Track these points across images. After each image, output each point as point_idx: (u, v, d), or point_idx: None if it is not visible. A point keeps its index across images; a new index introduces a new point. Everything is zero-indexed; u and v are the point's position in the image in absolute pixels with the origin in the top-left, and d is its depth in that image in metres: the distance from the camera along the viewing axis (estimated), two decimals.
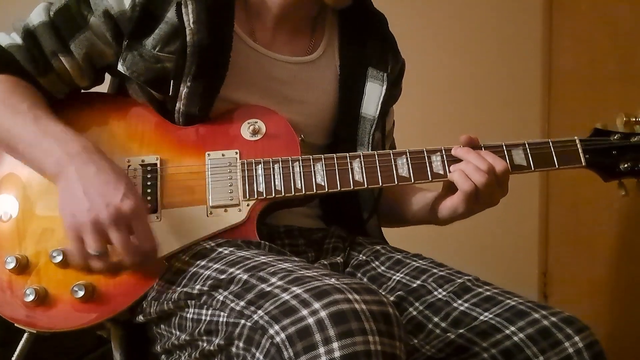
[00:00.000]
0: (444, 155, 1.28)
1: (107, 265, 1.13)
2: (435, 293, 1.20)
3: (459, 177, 1.25)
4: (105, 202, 1.09)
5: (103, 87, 1.40)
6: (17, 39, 1.27)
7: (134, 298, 1.19)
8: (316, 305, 0.88)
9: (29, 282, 1.19)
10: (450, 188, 1.28)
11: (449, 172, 1.26)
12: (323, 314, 0.87)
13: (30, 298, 1.16)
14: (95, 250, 1.10)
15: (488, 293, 1.16)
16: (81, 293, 1.16)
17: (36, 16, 1.27)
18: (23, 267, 1.19)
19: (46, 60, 1.26)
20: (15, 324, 1.20)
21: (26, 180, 1.25)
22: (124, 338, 1.28)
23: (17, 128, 1.20)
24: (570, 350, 1.05)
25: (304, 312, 0.88)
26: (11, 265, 1.18)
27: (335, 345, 0.85)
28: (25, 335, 1.22)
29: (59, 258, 1.17)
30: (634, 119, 1.63)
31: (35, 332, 1.20)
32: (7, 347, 1.27)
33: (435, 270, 1.25)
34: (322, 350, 0.85)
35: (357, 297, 0.89)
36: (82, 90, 1.35)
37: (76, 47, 1.26)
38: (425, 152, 1.28)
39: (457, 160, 1.27)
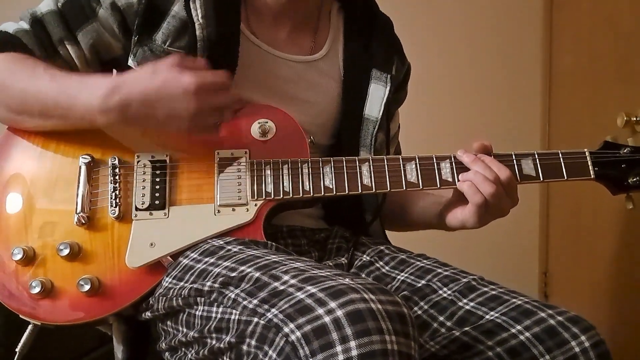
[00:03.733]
0: (453, 163, 1.27)
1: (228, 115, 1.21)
2: (441, 292, 1.20)
3: (469, 188, 1.23)
4: (184, 93, 1.13)
5: None
6: (24, 25, 1.27)
7: (139, 294, 1.19)
8: (332, 304, 0.88)
9: (35, 274, 1.19)
10: (460, 196, 1.28)
11: (458, 181, 1.26)
12: (340, 313, 0.87)
13: (36, 290, 1.17)
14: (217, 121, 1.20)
15: (494, 292, 1.17)
16: (87, 287, 1.17)
17: (44, 5, 1.28)
18: (30, 259, 1.20)
19: (53, 47, 1.27)
20: (20, 315, 1.20)
21: (36, 172, 1.25)
22: (126, 334, 1.28)
23: (43, 92, 1.20)
24: (577, 349, 1.05)
25: (320, 310, 0.88)
26: (18, 257, 1.18)
27: (352, 344, 0.85)
28: (30, 327, 1.22)
29: (66, 251, 1.18)
30: (634, 119, 1.64)
31: (39, 324, 1.21)
32: (8, 347, 1.26)
33: (440, 270, 1.25)
34: (339, 348, 0.85)
35: (372, 297, 0.89)
36: None
37: (83, 37, 1.26)
38: (434, 159, 1.28)
39: (466, 168, 1.26)
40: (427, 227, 1.45)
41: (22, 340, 1.23)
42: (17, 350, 1.23)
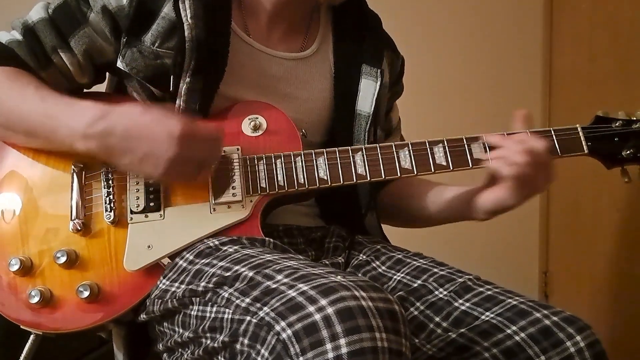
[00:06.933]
0: (446, 146, 1.27)
1: (208, 171, 1.20)
2: (436, 293, 1.20)
3: (500, 163, 1.22)
4: (168, 136, 1.12)
5: (101, 87, 1.40)
6: (17, 35, 1.26)
7: (139, 297, 1.19)
8: (323, 302, 0.88)
9: (34, 284, 1.19)
10: (490, 181, 1.26)
11: (490, 159, 1.23)
12: (330, 310, 0.87)
13: (35, 300, 1.17)
14: (194, 173, 1.16)
15: (489, 292, 1.17)
16: (86, 293, 1.17)
17: (35, 13, 1.27)
18: (27, 268, 1.19)
19: (46, 55, 1.26)
20: (21, 326, 1.20)
21: (28, 181, 1.25)
22: (126, 338, 1.28)
23: (32, 113, 1.20)
24: (572, 349, 1.05)
25: (311, 308, 0.88)
26: (15, 267, 1.18)
27: (342, 341, 0.85)
28: (32, 337, 1.23)
29: (63, 259, 1.18)
30: (634, 118, 1.63)
31: (41, 333, 1.21)
32: (8, 347, 1.27)
33: (436, 270, 1.25)
34: (329, 346, 0.85)
35: (363, 294, 0.89)
36: (84, 90, 1.35)
37: (76, 43, 1.26)
38: (427, 144, 1.27)
39: (460, 151, 1.26)
40: (449, 219, 1.41)
41: (24, 352, 1.23)
42: None
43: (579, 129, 1.29)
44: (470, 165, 1.27)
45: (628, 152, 1.29)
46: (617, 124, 1.30)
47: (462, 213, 1.35)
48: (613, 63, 2.14)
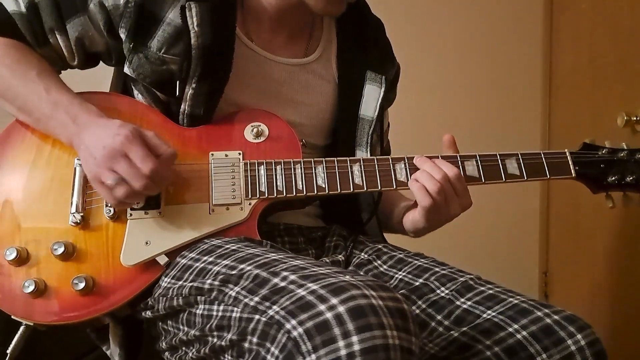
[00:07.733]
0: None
1: (131, 194, 1.14)
2: (438, 291, 1.21)
3: (413, 185, 1.26)
4: (102, 146, 1.12)
5: (105, 83, 1.42)
6: (22, 6, 1.28)
7: (134, 292, 1.19)
8: (334, 300, 0.89)
9: (29, 274, 1.19)
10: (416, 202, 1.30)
11: (409, 181, 1.27)
12: (341, 309, 0.88)
13: (30, 289, 1.17)
14: (109, 184, 1.12)
15: (490, 291, 1.17)
16: (81, 285, 1.17)
17: None
18: (23, 259, 1.19)
19: (44, 35, 1.28)
20: (12, 316, 1.20)
21: (29, 173, 1.25)
22: (123, 337, 1.28)
23: (31, 97, 1.22)
24: (573, 348, 1.06)
25: (322, 307, 0.89)
26: (11, 257, 1.18)
27: (354, 339, 0.86)
28: (22, 328, 1.21)
29: (60, 250, 1.18)
30: (634, 118, 1.64)
31: (32, 324, 1.20)
32: (6, 346, 1.26)
33: (437, 269, 1.26)
34: (341, 343, 0.86)
35: (373, 293, 0.90)
36: (77, 69, 1.37)
37: (71, 28, 1.28)
38: None
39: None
40: (398, 232, 1.45)
41: (13, 342, 1.22)
42: (8, 352, 1.22)
43: (567, 154, 1.34)
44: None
45: (613, 178, 1.34)
46: (603, 152, 1.35)
47: (400, 230, 1.39)
48: (613, 63, 2.14)
